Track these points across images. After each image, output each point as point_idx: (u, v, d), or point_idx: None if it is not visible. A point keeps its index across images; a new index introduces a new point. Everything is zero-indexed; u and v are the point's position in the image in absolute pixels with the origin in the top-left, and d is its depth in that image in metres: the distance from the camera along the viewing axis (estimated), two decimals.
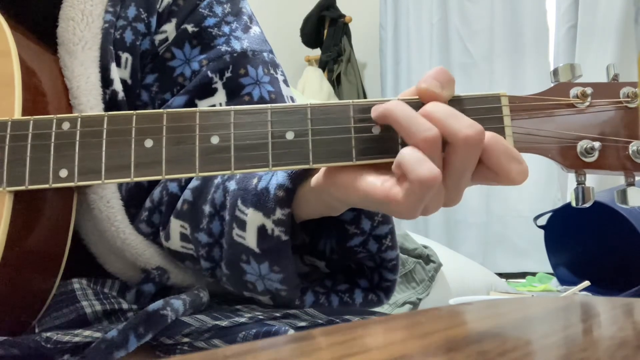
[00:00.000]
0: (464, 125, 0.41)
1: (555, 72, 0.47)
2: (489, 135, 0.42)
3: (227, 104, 0.61)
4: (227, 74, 0.61)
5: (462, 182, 0.43)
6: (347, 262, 0.58)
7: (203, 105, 0.61)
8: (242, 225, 0.52)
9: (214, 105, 0.61)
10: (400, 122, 0.42)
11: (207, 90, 0.61)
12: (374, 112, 0.44)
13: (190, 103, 0.61)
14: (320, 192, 0.47)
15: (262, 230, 0.51)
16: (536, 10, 2.74)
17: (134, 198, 0.60)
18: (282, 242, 0.51)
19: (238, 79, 0.61)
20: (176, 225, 0.57)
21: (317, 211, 0.51)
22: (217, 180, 0.56)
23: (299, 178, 0.49)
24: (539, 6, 2.73)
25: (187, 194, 0.57)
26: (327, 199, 0.48)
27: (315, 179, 0.47)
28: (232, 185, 0.54)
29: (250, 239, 0.52)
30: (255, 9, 0.70)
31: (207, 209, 0.55)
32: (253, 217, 0.51)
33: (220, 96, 0.61)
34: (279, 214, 0.50)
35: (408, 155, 0.41)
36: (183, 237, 0.57)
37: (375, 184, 0.43)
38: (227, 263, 0.55)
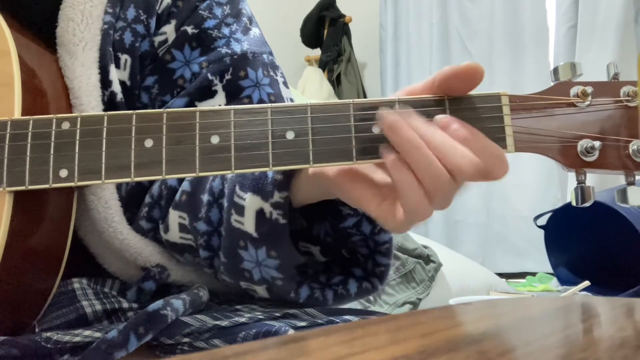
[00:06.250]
0: (466, 162, 0.41)
1: (555, 71, 0.47)
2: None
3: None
4: (227, 77, 0.61)
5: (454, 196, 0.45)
6: (341, 246, 0.58)
7: None
8: (241, 210, 0.52)
9: None
10: (405, 148, 0.42)
11: (207, 93, 0.61)
12: (382, 119, 0.43)
13: (190, 105, 0.61)
14: (318, 180, 0.48)
15: (260, 214, 0.51)
16: (536, 10, 2.74)
17: (134, 198, 0.60)
18: (280, 225, 0.51)
19: (238, 81, 0.61)
20: (175, 217, 0.57)
21: (314, 196, 0.52)
22: None
23: None
24: (539, 6, 2.73)
25: (185, 185, 0.58)
26: (325, 187, 0.48)
27: (313, 169, 0.48)
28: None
29: (248, 224, 0.52)
30: (254, 9, 0.70)
31: (205, 197, 0.56)
32: (251, 201, 0.52)
33: (220, 98, 0.61)
34: (277, 197, 0.50)
35: (406, 184, 0.42)
36: (182, 227, 0.57)
37: (372, 202, 0.44)
38: (225, 251, 0.55)
